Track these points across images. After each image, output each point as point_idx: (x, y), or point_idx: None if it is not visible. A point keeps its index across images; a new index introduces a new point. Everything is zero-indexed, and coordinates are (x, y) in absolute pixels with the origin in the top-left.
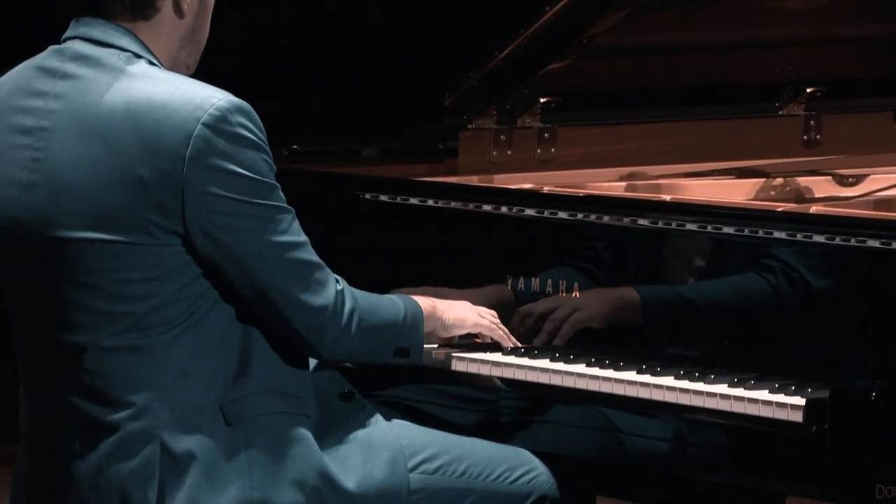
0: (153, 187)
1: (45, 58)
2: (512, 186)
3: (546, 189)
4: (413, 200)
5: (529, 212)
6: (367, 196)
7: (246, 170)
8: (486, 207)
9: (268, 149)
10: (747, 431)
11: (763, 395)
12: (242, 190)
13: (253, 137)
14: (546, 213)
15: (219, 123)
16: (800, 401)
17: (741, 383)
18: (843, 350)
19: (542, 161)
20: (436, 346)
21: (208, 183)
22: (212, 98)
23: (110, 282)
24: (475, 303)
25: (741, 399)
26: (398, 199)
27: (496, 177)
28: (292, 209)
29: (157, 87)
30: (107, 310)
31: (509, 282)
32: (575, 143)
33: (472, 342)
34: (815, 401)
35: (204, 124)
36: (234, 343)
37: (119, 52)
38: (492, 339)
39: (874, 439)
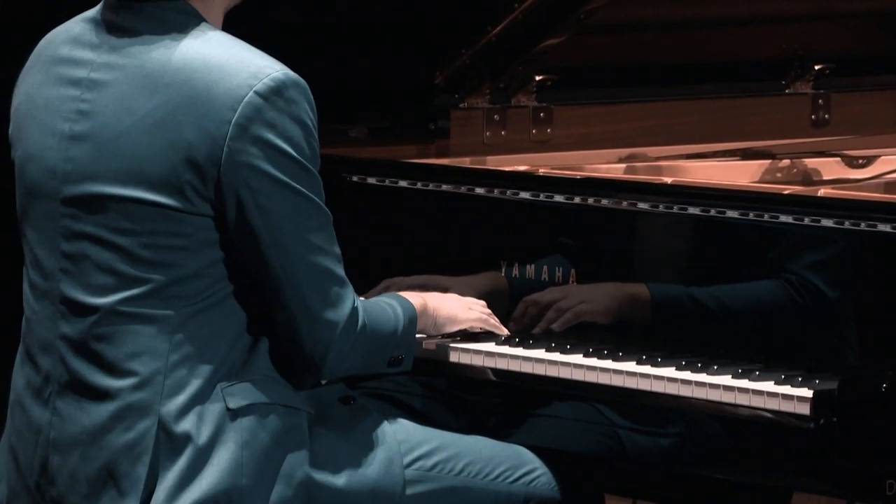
0: (196, 148)
1: (100, 11)
2: (506, 168)
3: (542, 171)
4: (402, 183)
5: (524, 195)
6: (355, 179)
7: (291, 148)
8: (479, 190)
9: (317, 136)
10: (752, 425)
11: (768, 386)
12: (283, 168)
13: (305, 117)
14: (542, 197)
15: (272, 94)
16: (807, 392)
17: (745, 374)
18: (853, 339)
19: (537, 142)
20: (425, 337)
21: (249, 153)
22: (269, 68)
23: (139, 245)
24: (468, 291)
25: (745, 391)
26: (387, 182)
27: (489, 158)
28: (330, 214)
29: (214, 49)
30: (130, 273)
31: (503, 268)
32: (572, 123)
33: (463, 332)
34: (822, 392)
35: (256, 92)
36: (247, 330)
37: (178, 11)
38: (484, 330)
39: (885, 432)
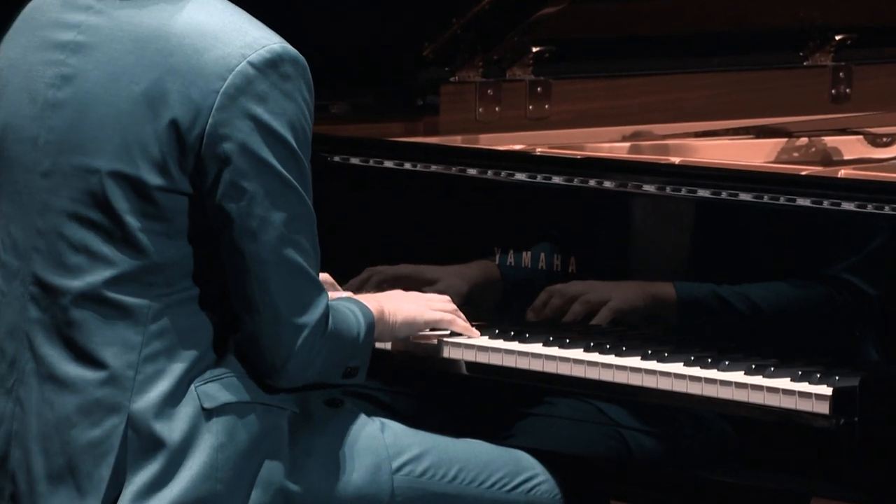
0: (180, 119)
1: None
2: (500, 148)
3: (539, 150)
4: (388, 164)
5: (520, 176)
6: (336, 159)
7: (282, 128)
8: (471, 171)
9: (311, 122)
10: (766, 425)
11: (784, 383)
12: (270, 149)
13: (300, 98)
14: (539, 178)
15: (267, 66)
16: (826, 390)
17: (759, 370)
18: (875, 332)
19: (534, 119)
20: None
21: (235, 126)
22: (267, 39)
23: (116, 225)
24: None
25: (759, 388)
26: (371, 163)
27: (482, 136)
28: (314, 215)
29: (210, 16)
30: (105, 255)
31: (497, 256)
32: (571, 98)
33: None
34: (843, 390)
35: (250, 62)
36: (225, 325)
37: None
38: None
39: None
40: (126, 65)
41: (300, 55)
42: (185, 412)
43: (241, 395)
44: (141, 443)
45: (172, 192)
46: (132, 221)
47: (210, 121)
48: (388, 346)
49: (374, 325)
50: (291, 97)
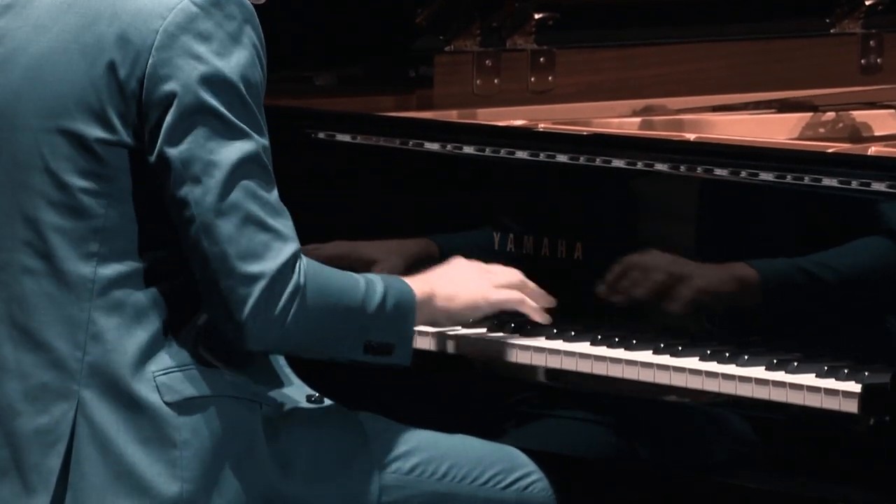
0: (118, 63)
1: None
2: (500, 123)
3: (542, 127)
4: (377, 141)
5: (521, 154)
6: (321, 135)
7: (228, 71)
8: (468, 149)
9: (262, 69)
10: (789, 425)
11: (809, 379)
12: (213, 91)
13: (247, 41)
14: (542, 157)
15: (210, 6)
16: (854, 387)
17: (781, 366)
18: None
19: (536, 92)
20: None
21: (175, 66)
22: None
23: (57, 185)
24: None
25: (781, 385)
26: (359, 140)
27: (480, 111)
28: (269, 164)
29: None
30: (44, 220)
31: (496, 240)
32: (577, 69)
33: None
34: (872, 387)
35: (192, 0)
36: (184, 305)
37: None
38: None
39: None
40: (56, 14)
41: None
42: (143, 404)
43: (207, 388)
44: (93, 434)
45: (115, 146)
46: (73, 181)
47: (150, 61)
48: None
49: (413, 300)
50: (238, 40)
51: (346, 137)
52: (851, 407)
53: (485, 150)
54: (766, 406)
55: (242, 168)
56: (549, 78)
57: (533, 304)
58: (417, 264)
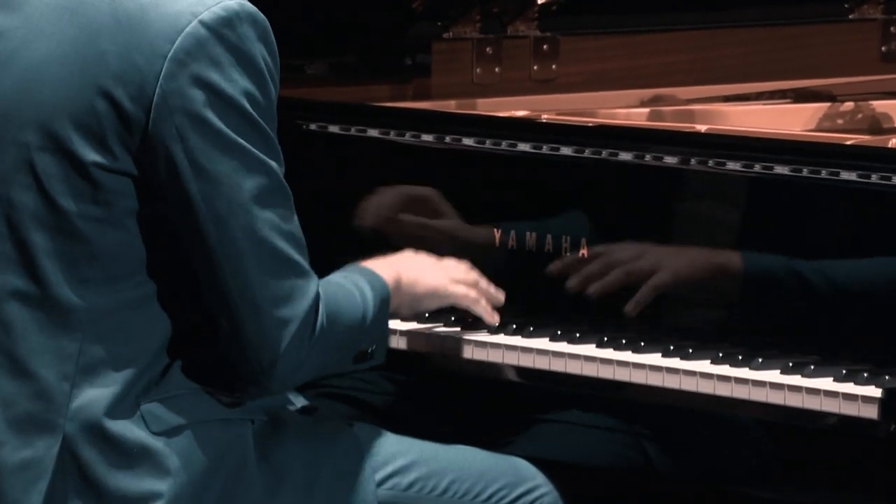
0: (121, 86)
1: None
2: (501, 114)
3: (545, 117)
4: (372, 132)
5: (523, 147)
6: (313, 126)
7: (241, 96)
8: (467, 141)
9: (276, 89)
10: (806, 431)
11: (826, 384)
12: (229, 120)
13: (260, 62)
14: (545, 149)
15: (221, 27)
16: (874, 391)
17: (797, 369)
18: None
19: (539, 81)
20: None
21: (188, 97)
22: None
23: (50, 208)
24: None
25: (797, 389)
26: (352, 131)
27: (480, 101)
28: (289, 190)
29: None
30: (35, 243)
31: (497, 237)
32: (582, 57)
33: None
34: (894, 391)
35: (202, 22)
36: (176, 332)
37: None
38: (474, 313)
39: None
40: (57, 20)
41: (259, 12)
42: (131, 436)
43: (195, 414)
44: (78, 470)
45: (114, 172)
46: (66, 204)
47: (157, 91)
48: None
49: (390, 299)
50: (250, 62)
51: (338, 129)
52: (871, 412)
53: (485, 142)
54: (781, 411)
55: (265, 201)
56: (553, 66)
57: (484, 305)
58: None
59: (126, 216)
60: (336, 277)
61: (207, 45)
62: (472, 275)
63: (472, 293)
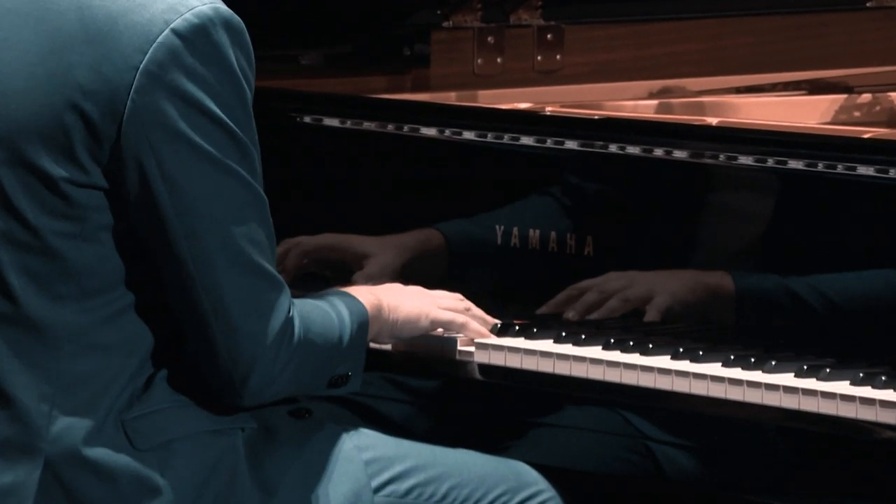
0: (90, 99)
1: None
2: (503, 106)
3: (549, 110)
4: (368, 125)
5: (526, 140)
6: (307, 119)
7: (217, 106)
8: (468, 134)
9: (251, 95)
10: (821, 437)
11: (842, 387)
12: (204, 132)
13: (236, 68)
14: (549, 143)
15: (195, 34)
16: (892, 396)
17: (812, 372)
18: None
19: (543, 72)
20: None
21: (160, 110)
22: (193, 0)
23: (19, 225)
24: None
25: (812, 393)
26: (349, 124)
27: (481, 93)
28: (265, 198)
29: None
30: (7, 260)
31: (499, 234)
32: (588, 47)
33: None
34: None
35: (174, 30)
36: (156, 345)
37: None
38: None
39: None
40: (24, 30)
41: (235, 16)
42: (115, 455)
43: (181, 428)
44: (63, 494)
45: (86, 187)
46: (37, 220)
47: (129, 104)
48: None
49: (368, 325)
50: (226, 69)
51: (334, 122)
52: (890, 417)
53: (486, 135)
54: (795, 416)
55: (240, 214)
56: (557, 56)
57: (476, 326)
58: (413, 261)
59: (100, 230)
60: (313, 298)
61: (181, 56)
62: (463, 303)
63: (460, 318)
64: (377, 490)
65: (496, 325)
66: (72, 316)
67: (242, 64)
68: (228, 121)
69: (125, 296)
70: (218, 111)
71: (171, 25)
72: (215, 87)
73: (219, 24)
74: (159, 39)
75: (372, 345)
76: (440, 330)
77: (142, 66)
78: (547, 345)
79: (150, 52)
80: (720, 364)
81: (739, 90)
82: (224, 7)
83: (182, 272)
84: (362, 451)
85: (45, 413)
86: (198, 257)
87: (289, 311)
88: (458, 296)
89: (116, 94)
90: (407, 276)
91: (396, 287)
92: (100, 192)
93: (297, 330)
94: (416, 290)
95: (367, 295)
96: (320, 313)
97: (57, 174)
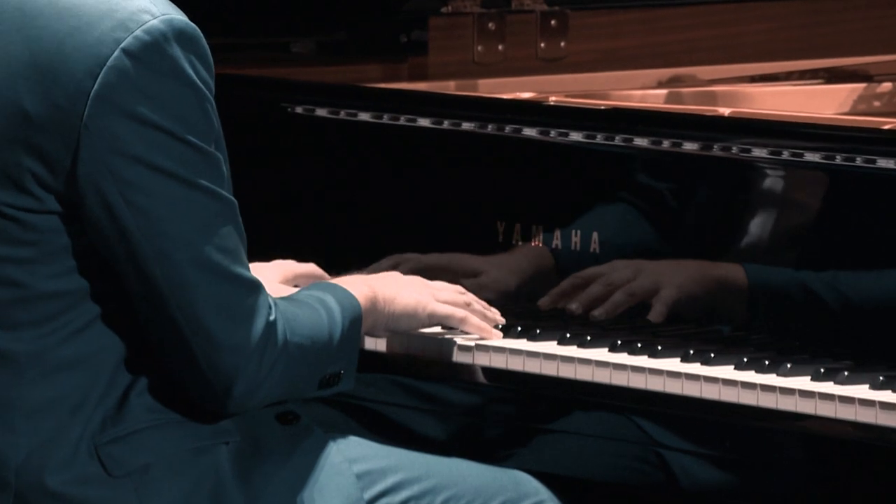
0: (39, 128)
1: None
2: (505, 96)
3: (553, 100)
4: (363, 116)
5: (529, 131)
6: (299, 110)
7: (176, 123)
8: (467, 125)
9: (212, 99)
10: (840, 444)
11: (861, 391)
12: (165, 152)
13: (194, 79)
14: (553, 134)
15: (147, 53)
16: None
17: (830, 375)
18: None
19: (547, 60)
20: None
21: (116, 135)
22: (145, 13)
23: None
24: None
25: (829, 398)
26: (342, 115)
27: (482, 82)
28: (234, 200)
29: None
30: None
31: (500, 230)
32: (594, 34)
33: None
34: None
35: (125, 51)
36: (125, 362)
37: None
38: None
39: None
40: None
41: (188, 23)
42: (89, 482)
43: (159, 450)
44: None
45: (39, 213)
46: None
47: (83, 132)
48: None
49: (361, 320)
50: (183, 82)
51: (326, 112)
52: None
53: (487, 126)
54: (812, 422)
55: (209, 228)
56: (562, 43)
57: (477, 321)
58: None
59: (58, 251)
60: (299, 294)
61: (133, 77)
62: (464, 297)
63: (459, 312)
64: (370, 502)
65: (499, 325)
66: (32, 342)
67: (200, 71)
68: (188, 135)
69: (89, 311)
70: (176, 128)
71: (122, 45)
72: (171, 103)
73: (172, 38)
74: (110, 62)
75: (367, 346)
76: (438, 328)
77: (93, 91)
78: (550, 346)
79: (101, 75)
80: (732, 367)
81: (753, 79)
82: (176, 16)
83: (154, 292)
84: (353, 463)
85: (11, 443)
86: (170, 277)
87: (270, 314)
88: (459, 288)
89: (68, 122)
90: None
91: (394, 277)
92: (55, 216)
93: (280, 332)
94: (415, 281)
95: (362, 286)
96: (307, 312)
97: (6, 201)
